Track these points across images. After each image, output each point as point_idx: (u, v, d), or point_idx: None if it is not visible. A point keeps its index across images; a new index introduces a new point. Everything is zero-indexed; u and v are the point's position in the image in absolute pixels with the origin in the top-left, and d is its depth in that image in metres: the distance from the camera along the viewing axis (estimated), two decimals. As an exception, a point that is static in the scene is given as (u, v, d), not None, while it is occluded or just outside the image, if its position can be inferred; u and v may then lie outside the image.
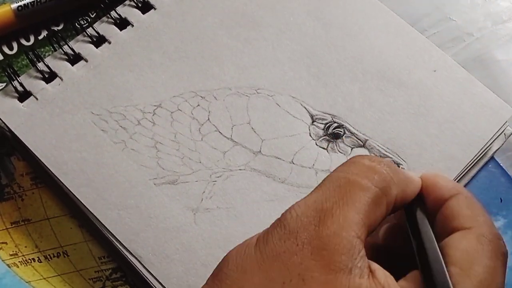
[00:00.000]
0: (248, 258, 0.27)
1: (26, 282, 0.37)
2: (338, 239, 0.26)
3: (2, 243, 0.38)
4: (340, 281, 0.25)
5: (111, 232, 0.35)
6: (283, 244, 0.26)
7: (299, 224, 0.26)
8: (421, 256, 0.28)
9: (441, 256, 0.27)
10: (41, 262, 0.38)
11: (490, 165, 0.40)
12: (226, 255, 0.28)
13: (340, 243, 0.26)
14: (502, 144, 0.40)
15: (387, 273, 0.27)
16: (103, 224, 0.35)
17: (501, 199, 0.40)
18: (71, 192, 0.36)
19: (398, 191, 0.29)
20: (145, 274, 0.35)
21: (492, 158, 0.40)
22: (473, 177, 0.40)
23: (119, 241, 0.35)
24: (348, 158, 0.37)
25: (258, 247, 0.27)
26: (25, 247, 0.38)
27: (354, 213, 0.27)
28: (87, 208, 0.36)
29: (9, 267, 0.37)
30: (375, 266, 0.27)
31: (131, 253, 0.35)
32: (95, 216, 0.35)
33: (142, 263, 0.35)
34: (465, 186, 0.39)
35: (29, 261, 0.38)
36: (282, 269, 0.26)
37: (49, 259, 0.38)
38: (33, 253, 0.38)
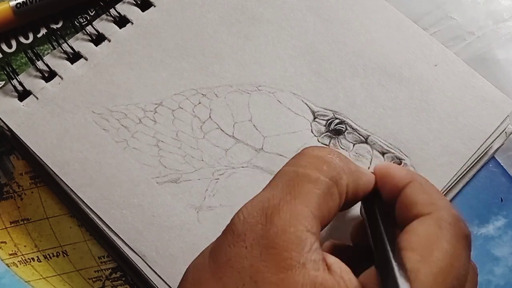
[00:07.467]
0: (203, 268, 0.26)
1: (26, 281, 0.37)
2: (286, 236, 0.25)
3: (1, 242, 0.37)
4: (293, 278, 0.25)
5: (114, 232, 0.35)
6: (233, 249, 0.26)
7: (246, 226, 0.26)
8: (377, 250, 0.27)
9: (389, 251, 0.27)
10: (40, 261, 0.37)
11: (490, 165, 0.40)
12: (187, 268, 0.27)
13: (288, 239, 0.25)
14: (503, 143, 0.40)
15: (344, 267, 0.26)
16: (106, 224, 0.35)
17: (501, 198, 0.40)
18: (74, 192, 0.36)
19: (349, 180, 0.28)
20: (148, 273, 0.34)
21: (492, 157, 0.40)
22: (473, 177, 0.40)
23: (122, 240, 0.35)
24: (351, 154, 0.37)
25: (211, 256, 0.27)
26: (25, 246, 0.37)
27: (303, 206, 0.26)
28: (90, 208, 0.35)
29: (9, 266, 0.37)
30: (332, 259, 0.26)
31: (135, 252, 0.34)
32: (99, 216, 0.35)
33: (146, 262, 0.34)
34: (465, 185, 0.39)
35: (29, 260, 0.37)
36: (234, 275, 0.25)
37: (49, 258, 0.37)
38: (32, 252, 0.37)
